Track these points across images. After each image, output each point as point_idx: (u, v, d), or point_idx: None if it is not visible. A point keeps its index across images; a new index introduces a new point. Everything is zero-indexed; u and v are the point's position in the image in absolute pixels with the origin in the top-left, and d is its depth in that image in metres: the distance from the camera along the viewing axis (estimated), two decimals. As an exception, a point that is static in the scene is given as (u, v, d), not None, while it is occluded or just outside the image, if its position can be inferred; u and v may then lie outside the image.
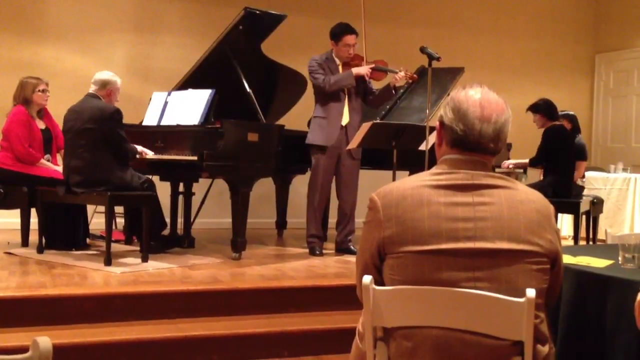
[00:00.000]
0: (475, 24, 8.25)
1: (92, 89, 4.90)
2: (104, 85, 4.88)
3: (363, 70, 5.27)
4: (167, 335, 3.55)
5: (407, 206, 1.85)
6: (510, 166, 6.11)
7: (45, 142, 5.34)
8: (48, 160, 5.33)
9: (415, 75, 5.48)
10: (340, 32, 5.30)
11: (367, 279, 1.86)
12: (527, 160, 5.96)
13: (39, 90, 5.26)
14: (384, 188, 1.93)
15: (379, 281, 1.90)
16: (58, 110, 5.64)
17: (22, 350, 1.47)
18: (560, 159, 5.76)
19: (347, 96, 5.34)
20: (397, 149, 5.10)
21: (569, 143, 5.91)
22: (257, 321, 3.82)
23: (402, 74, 5.27)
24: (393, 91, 5.44)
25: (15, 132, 5.15)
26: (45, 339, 1.38)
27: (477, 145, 1.89)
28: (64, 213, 5.05)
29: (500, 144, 1.91)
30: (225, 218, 5.44)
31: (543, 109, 5.84)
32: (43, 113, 5.42)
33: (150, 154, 4.99)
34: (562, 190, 5.63)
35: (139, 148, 4.95)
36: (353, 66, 5.35)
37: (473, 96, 1.91)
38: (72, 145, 4.78)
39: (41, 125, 5.36)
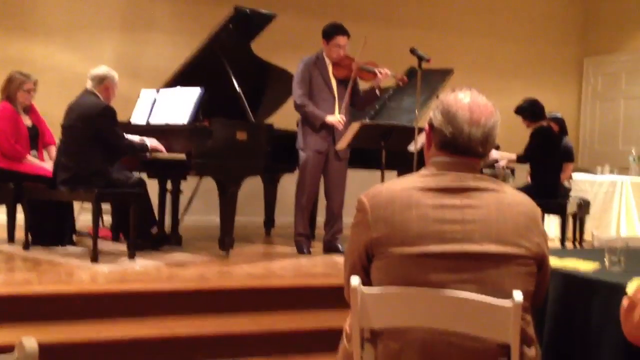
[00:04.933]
0: (465, 26, 8.28)
1: (88, 85, 4.86)
2: (101, 80, 4.84)
3: (335, 121, 5.24)
4: (154, 334, 3.54)
5: (395, 208, 1.86)
6: (499, 161, 6.08)
7: (32, 138, 5.31)
8: (34, 157, 5.30)
9: (405, 78, 5.48)
10: (332, 31, 5.30)
11: (355, 280, 1.86)
12: (514, 156, 5.97)
13: (23, 89, 5.21)
14: (372, 189, 1.94)
15: (366, 282, 1.91)
16: (46, 107, 5.61)
17: (8, 348, 1.46)
18: (547, 161, 5.79)
19: (336, 97, 5.34)
20: (385, 149, 5.10)
21: (555, 145, 5.94)
22: (244, 320, 3.81)
23: (385, 72, 5.26)
24: (377, 92, 5.43)
25: (1, 128, 5.11)
26: (30, 340, 1.37)
27: (466, 149, 1.90)
28: (51, 210, 5.02)
29: (488, 146, 1.92)
30: (213, 216, 5.43)
31: (527, 111, 5.86)
32: (29, 109, 5.38)
33: (163, 151, 4.87)
34: (549, 192, 5.65)
35: (152, 142, 4.82)
36: (343, 66, 5.35)
37: (462, 99, 1.92)
38: (64, 142, 4.76)
39: (27, 121, 5.33)
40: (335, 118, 5.27)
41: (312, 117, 5.28)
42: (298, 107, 5.32)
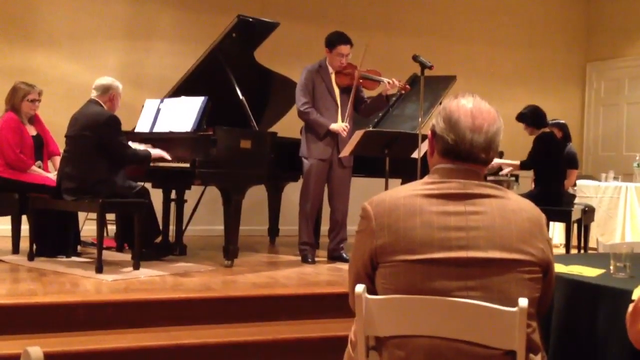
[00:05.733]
0: (468, 33, 8.29)
1: (93, 94, 4.87)
2: (106, 90, 4.85)
3: (338, 128, 5.26)
4: (159, 344, 3.53)
5: (399, 215, 1.85)
6: (503, 168, 6.05)
7: (37, 148, 5.32)
8: (39, 167, 5.31)
9: (407, 86, 5.48)
10: (334, 40, 5.31)
11: (359, 288, 1.86)
12: (517, 162, 5.96)
13: (27, 100, 5.23)
14: (376, 197, 1.94)
15: (371, 290, 1.91)
16: (50, 117, 5.63)
17: (13, 358, 1.46)
18: (551, 167, 5.77)
19: (340, 106, 5.35)
20: (389, 156, 5.10)
21: (558, 151, 5.92)
22: (249, 329, 3.81)
23: (392, 81, 5.27)
24: (385, 100, 5.45)
25: (6, 138, 5.12)
26: (36, 349, 1.37)
27: (469, 155, 1.89)
28: (55, 220, 5.02)
29: (491, 153, 1.91)
30: (218, 225, 5.43)
31: (528, 118, 5.84)
32: (34, 119, 5.40)
33: (168, 158, 4.90)
34: (553, 199, 5.64)
35: (156, 151, 4.86)
36: (345, 75, 5.36)
37: (465, 106, 1.92)
38: (69, 151, 4.77)
39: (32, 131, 5.34)
40: (339, 125, 5.27)
41: (316, 125, 5.29)
42: (302, 115, 5.33)
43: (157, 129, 5.20)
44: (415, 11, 8.06)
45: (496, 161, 6.02)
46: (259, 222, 6.69)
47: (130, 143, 4.88)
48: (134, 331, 3.64)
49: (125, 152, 4.72)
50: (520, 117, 5.88)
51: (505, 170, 6.13)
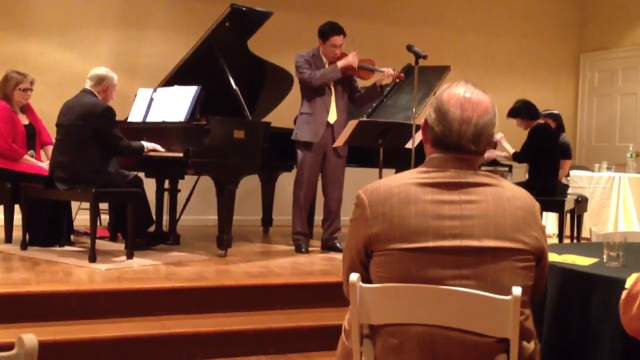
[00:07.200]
0: (461, 23, 8.28)
1: (87, 84, 4.85)
2: (101, 81, 4.83)
3: (350, 59, 5.24)
4: (152, 332, 3.54)
5: (394, 203, 1.85)
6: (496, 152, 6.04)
7: (29, 137, 5.29)
8: (32, 156, 5.28)
9: (402, 75, 5.47)
10: (328, 31, 5.29)
11: (354, 276, 1.86)
12: (511, 152, 5.96)
13: (20, 89, 5.20)
14: (371, 185, 1.94)
15: (365, 278, 1.91)
16: (42, 106, 5.60)
17: (7, 347, 1.45)
18: (545, 158, 5.78)
19: (333, 93, 5.34)
20: (383, 146, 5.10)
21: (554, 142, 5.94)
22: (242, 318, 3.82)
23: (388, 71, 5.26)
24: (379, 89, 5.44)
25: (-2, 127, 5.10)
26: (30, 336, 1.37)
27: (457, 146, 1.88)
28: (48, 209, 5.01)
29: (481, 145, 1.89)
30: (211, 215, 5.42)
31: (522, 111, 5.84)
32: (26, 108, 5.37)
33: (161, 150, 4.90)
34: (547, 189, 5.65)
35: (149, 145, 4.86)
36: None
37: (456, 96, 1.90)
38: (62, 140, 4.75)
39: (24, 120, 5.31)
40: (347, 60, 5.23)
41: (327, 76, 5.22)
42: (312, 83, 5.22)
43: (150, 118, 5.17)
44: (409, 0, 8.04)
45: (493, 152, 6.01)
46: (253, 211, 6.69)
47: None
48: (128, 320, 3.64)
49: (119, 144, 4.71)
50: (514, 112, 5.87)
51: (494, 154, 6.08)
